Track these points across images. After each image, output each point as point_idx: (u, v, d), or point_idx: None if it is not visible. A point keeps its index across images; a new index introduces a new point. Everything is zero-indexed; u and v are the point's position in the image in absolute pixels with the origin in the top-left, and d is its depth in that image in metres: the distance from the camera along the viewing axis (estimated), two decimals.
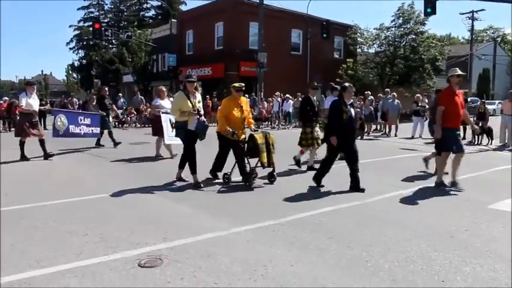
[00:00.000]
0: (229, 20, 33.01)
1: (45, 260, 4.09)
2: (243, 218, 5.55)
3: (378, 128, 20.92)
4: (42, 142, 10.54)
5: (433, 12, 20.34)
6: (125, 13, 63.38)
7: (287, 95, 25.03)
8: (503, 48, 55.98)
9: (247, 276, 3.76)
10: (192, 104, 7.52)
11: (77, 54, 64.67)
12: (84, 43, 62.39)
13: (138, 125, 23.77)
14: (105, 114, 13.42)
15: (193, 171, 7.58)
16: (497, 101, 34.88)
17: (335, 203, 6.32)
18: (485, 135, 15.32)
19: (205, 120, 7.81)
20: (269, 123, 24.75)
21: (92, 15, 62.78)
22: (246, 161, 7.61)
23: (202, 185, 7.47)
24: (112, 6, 63.95)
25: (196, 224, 5.32)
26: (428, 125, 10.22)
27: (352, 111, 7.39)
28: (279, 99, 24.73)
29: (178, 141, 8.98)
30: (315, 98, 9.45)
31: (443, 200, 6.70)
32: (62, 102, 32.02)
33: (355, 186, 7.20)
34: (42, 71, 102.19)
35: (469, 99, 19.94)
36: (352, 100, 7.58)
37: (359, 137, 17.56)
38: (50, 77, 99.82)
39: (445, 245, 4.58)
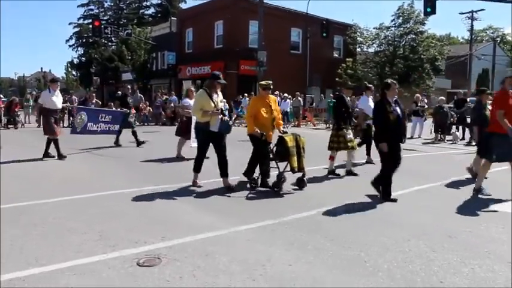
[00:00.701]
0: (229, 18, 32.97)
1: (44, 257, 4.09)
2: (242, 218, 5.55)
3: None
4: (56, 141, 10.39)
5: (433, 11, 20.35)
6: (125, 11, 63.28)
7: (285, 94, 25.04)
8: (503, 49, 56.04)
9: (246, 276, 3.76)
10: (214, 103, 7.18)
11: (76, 51, 64.62)
12: (84, 40, 62.25)
13: (138, 123, 23.72)
14: (128, 112, 13.30)
15: (196, 169, 7.45)
16: None
17: (334, 203, 6.32)
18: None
19: (228, 120, 7.49)
20: None
21: (92, 12, 62.70)
22: (276, 166, 7.17)
23: (201, 185, 7.36)
24: (112, 4, 63.86)
25: (195, 223, 5.32)
26: (471, 131, 9.89)
27: (398, 109, 6.60)
28: (278, 98, 24.73)
29: None
30: (348, 98, 9.02)
31: (442, 201, 6.71)
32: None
33: (385, 196, 6.59)
34: (41, 68, 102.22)
35: (468, 99, 19.94)
36: (396, 97, 6.75)
37: (358, 137, 17.62)
38: (49, 74, 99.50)
39: (444, 245, 4.58)
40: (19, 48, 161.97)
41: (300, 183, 7.28)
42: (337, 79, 34.00)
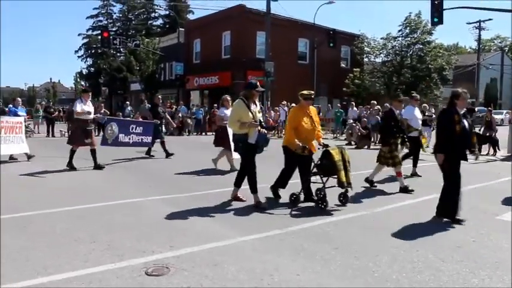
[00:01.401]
0: (236, 29, 33.20)
1: (52, 267, 4.10)
2: (250, 227, 5.54)
3: None
4: (93, 152, 10.35)
5: (440, 21, 20.37)
6: (133, 22, 63.84)
7: (293, 104, 25.05)
8: (511, 58, 55.76)
9: (254, 285, 3.75)
10: (253, 114, 6.76)
11: (85, 62, 65.17)
12: (93, 51, 62.82)
13: None
14: (158, 122, 13.03)
15: (254, 190, 6.79)
16: (504, 111, 34.74)
17: (341, 213, 6.31)
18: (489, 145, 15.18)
19: (266, 132, 7.08)
20: (276, 131, 24.77)
21: (101, 23, 63.31)
22: (321, 180, 6.74)
23: (266, 205, 6.71)
24: (120, 15, 64.49)
25: (203, 232, 5.32)
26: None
27: (466, 122, 6.04)
28: (286, 108, 24.76)
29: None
30: (398, 112, 8.60)
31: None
32: (70, 110, 32.23)
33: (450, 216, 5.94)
34: (50, 78, 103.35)
35: (476, 109, 19.88)
36: (465, 109, 6.25)
37: (366, 146, 17.60)
38: (58, 84, 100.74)
39: (453, 255, 4.55)
40: (29, 59, 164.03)
41: (343, 198, 6.87)
42: (344, 89, 34.07)
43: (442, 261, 4.36)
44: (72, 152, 10.20)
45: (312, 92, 7.22)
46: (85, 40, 64.05)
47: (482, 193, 8.01)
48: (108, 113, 23.98)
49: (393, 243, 4.97)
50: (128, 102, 31.04)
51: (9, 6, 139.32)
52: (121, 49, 48.88)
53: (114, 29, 61.51)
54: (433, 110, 18.81)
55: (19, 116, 12.19)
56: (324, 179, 6.72)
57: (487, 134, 15.24)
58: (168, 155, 12.77)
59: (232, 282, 3.82)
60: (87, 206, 6.56)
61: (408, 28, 33.93)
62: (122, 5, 63.55)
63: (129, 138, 12.05)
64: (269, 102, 27.06)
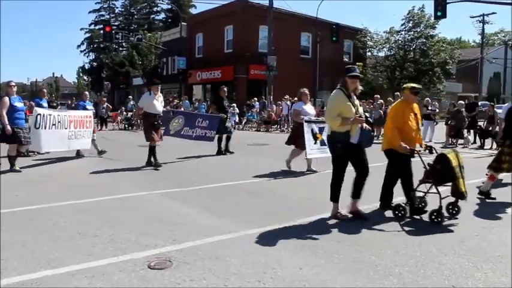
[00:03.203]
0: (238, 23, 33.12)
1: (56, 260, 4.12)
2: (253, 221, 5.55)
3: None
4: (153, 148, 9.93)
5: (443, 15, 20.31)
6: (135, 16, 63.75)
7: (295, 99, 25.00)
8: None
9: (257, 279, 3.76)
10: (355, 107, 5.63)
11: (87, 56, 65.16)
12: (95, 46, 62.79)
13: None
14: (225, 116, 12.47)
15: (335, 198, 5.77)
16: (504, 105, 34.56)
17: (345, 207, 6.29)
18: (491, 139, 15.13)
19: (370, 128, 5.89)
20: (278, 126, 24.74)
21: (103, 18, 63.21)
22: (436, 191, 5.66)
23: (348, 215, 5.76)
24: (123, 10, 64.37)
25: (206, 226, 5.33)
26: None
27: None
28: (288, 102, 24.72)
29: (323, 155, 8.51)
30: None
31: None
32: (72, 104, 32.29)
33: None
34: (53, 73, 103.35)
35: (479, 103, 19.79)
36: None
37: None
38: (61, 79, 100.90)
39: (456, 249, 4.54)
40: (32, 54, 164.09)
41: (456, 210, 5.80)
42: None
43: (445, 255, 4.35)
44: (151, 149, 9.88)
45: (420, 86, 6.35)
46: (87, 35, 64.02)
47: None
48: (111, 107, 23.99)
49: (396, 237, 4.96)
50: (130, 97, 31.09)
51: (12, 2, 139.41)
52: (123, 43, 48.81)
53: (116, 24, 61.40)
54: (437, 104, 18.76)
55: (87, 110, 11.85)
56: (433, 188, 5.72)
57: (490, 129, 15.17)
58: (228, 152, 12.42)
59: (235, 275, 3.82)
60: (90, 200, 6.59)
61: (411, 22, 33.77)
62: None
63: (193, 132, 11.61)
64: (271, 97, 27.02)
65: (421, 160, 5.73)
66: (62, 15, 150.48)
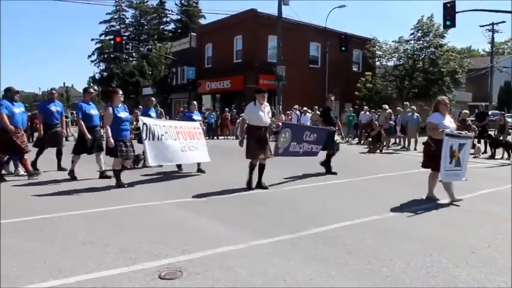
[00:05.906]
0: (248, 33, 33.32)
1: (67, 269, 4.14)
2: (262, 231, 5.54)
3: (397, 141, 20.76)
4: (262, 168, 8.62)
5: (453, 24, 20.28)
6: (145, 27, 64.46)
7: (305, 108, 25.04)
8: None
9: None
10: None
11: (98, 67, 65.99)
12: (106, 56, 63.53)
13: None
14: (334, 130, 10.93)
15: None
16: None
17: (354, 217, 6.27)
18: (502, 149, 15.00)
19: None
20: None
21: (113, 28, 64.05)
22: None
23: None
24: (133, 20, 65.18)
25: (216, 236, 5.33)
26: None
27: None
28: (297, 112, 24.76)
29: (458, 178, 7.43)
30: None
31: (463, 215, 6.59)
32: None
33: None
34: (64, 83, 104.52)
35: (490, 112, 19.66)
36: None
37: (378, 151, 17.51)
38: (72, 89, 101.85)
39: (467, 261, 4.49)
40: (43, 64, 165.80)
41: None
42: (356, 93, 33.95)
43: (457, 267, 4.31)
44: (251, 167, 8.53)
45: None
46: (98, 45, 64.78)
47: (496, 198, 7.91)
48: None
49: (406, 247, 4.93)
50: (140, 107, 31.15)
51: (23, 11, 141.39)
52: (133, 54, 49.22)
53: (126, 34, 62.15)
54: None
55: (194, 120, 11.17)
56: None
57: (500, 138, 15.07)
58: (331, 173, 10.56)
59: (245, 286, 3.82)
60: (101, 210, 6.60)
61: (420, 31, 33.71)
62: (134, 10, 64.19)
63: (300, 148, 10.07)
64: (281, 106, 27.08)
65: None
66: (72, 26, 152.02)
